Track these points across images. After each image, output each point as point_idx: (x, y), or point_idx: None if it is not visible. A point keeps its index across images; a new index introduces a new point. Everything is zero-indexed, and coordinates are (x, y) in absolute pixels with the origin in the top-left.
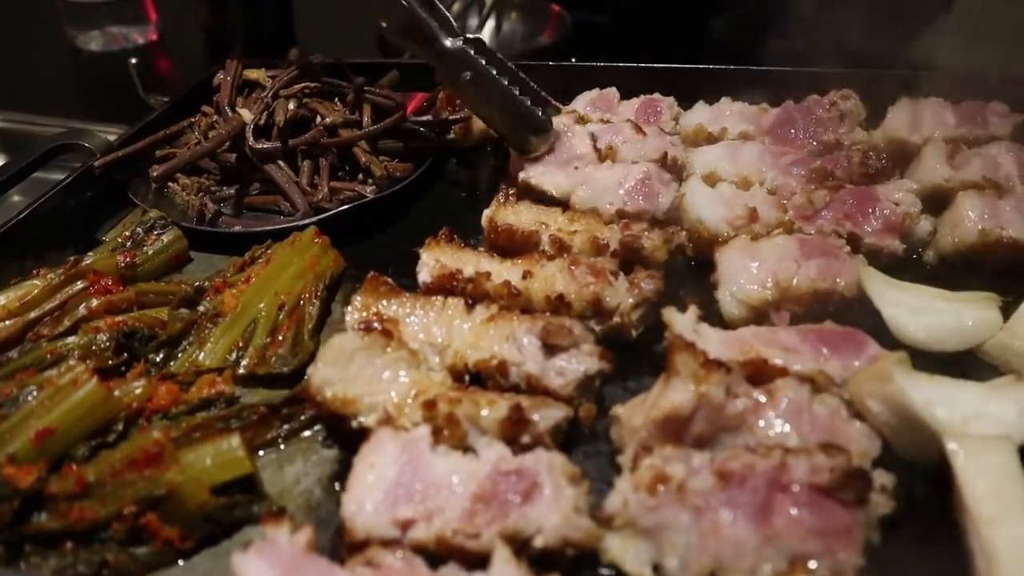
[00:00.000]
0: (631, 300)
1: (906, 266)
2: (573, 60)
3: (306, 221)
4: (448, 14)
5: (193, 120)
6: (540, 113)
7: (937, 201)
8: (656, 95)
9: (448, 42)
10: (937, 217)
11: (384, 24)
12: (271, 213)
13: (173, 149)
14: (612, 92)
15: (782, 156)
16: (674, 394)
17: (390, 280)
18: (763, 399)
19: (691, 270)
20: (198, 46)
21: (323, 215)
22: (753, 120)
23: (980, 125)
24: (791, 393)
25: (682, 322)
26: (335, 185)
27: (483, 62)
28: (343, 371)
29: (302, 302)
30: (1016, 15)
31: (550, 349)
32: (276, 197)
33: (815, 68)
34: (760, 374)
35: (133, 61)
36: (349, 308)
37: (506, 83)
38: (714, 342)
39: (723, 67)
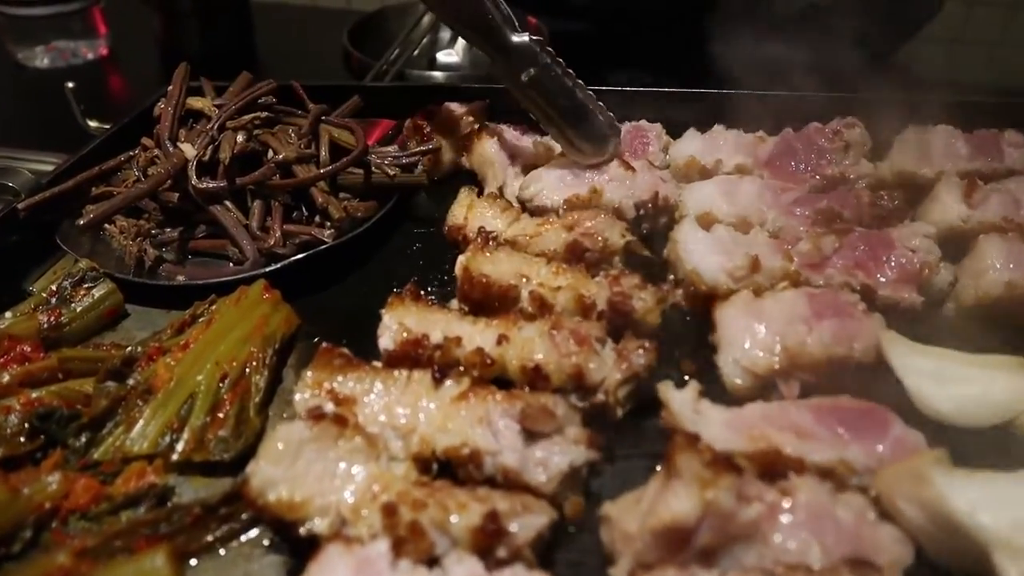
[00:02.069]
0: (618, 376)
1: (922, 319)
2: None
3: (254, 272)
4: (510, 11)
5: (133, 154)
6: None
7: (954, 244)
8: (643, 122)
9: (514, 37)
10: (955, 264)
11: (444, 11)
12: (220, 259)
13: (110, 187)
14: None
15: (783, 193)
16: (676, 502)
17: (346, 351)
18: (778, 501)
19: (686, 325)
20: (153, 63)
21: (274, 266)
22: (749, 151)
23: (996, 157)
24: (810, 495)
25: (681, 401)
26: (289, 228)
27: (548, 61)
28: (288, 469)
29: (248, 371)
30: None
31: (530, 435)
32: (225, 241)
33: (814, 92)
34: (773, 466)
35: (70, 85)
36: (298, 386)
37: (570, 84)
38: (718, 425)
39: (714, 91)
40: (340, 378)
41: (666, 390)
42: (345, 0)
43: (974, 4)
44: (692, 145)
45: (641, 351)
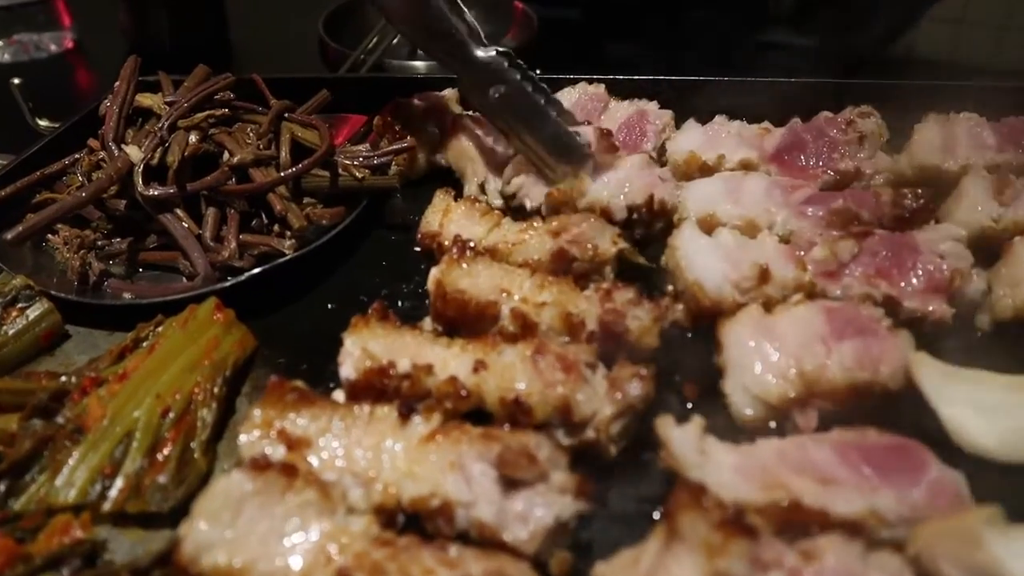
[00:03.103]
0: (610, 409)
1: (951, 334)
2: (538, 71)
3: (206, 289)
4: (477, 25)
5: (78, 157)
6: (578, 138)
7: (985, 247)
8: (650, 106)
9: (480, 52)
10: (988, 270)
11: (405, 24)
12: (172, 272)
13: (53, 194)
14: (600, 93)
15: (793, 191)
16: (680, 571)
17: (300, 384)
18: (800, 567)
19: (687, 343)
20: (122, 56)
21: (228, 282)
22: (755, 144)
23: None
24: (838, 558)
25: (683, 441)
26: (246, 239)
27: (517, 77)
28: (228, 529)
29: (193, 404)
30: None
31: (509, 483)
32: (177, 253)
33: (822, 79)
34: (792, 520)
35: (16, 81)
36: (244, 427)
37: (542, 102)
38: (727, 470)
39: (714, 79)
40: (293, 416)
41: (666, 427)
42: None
43: None
44: (692, 138)
45: (637, 381)
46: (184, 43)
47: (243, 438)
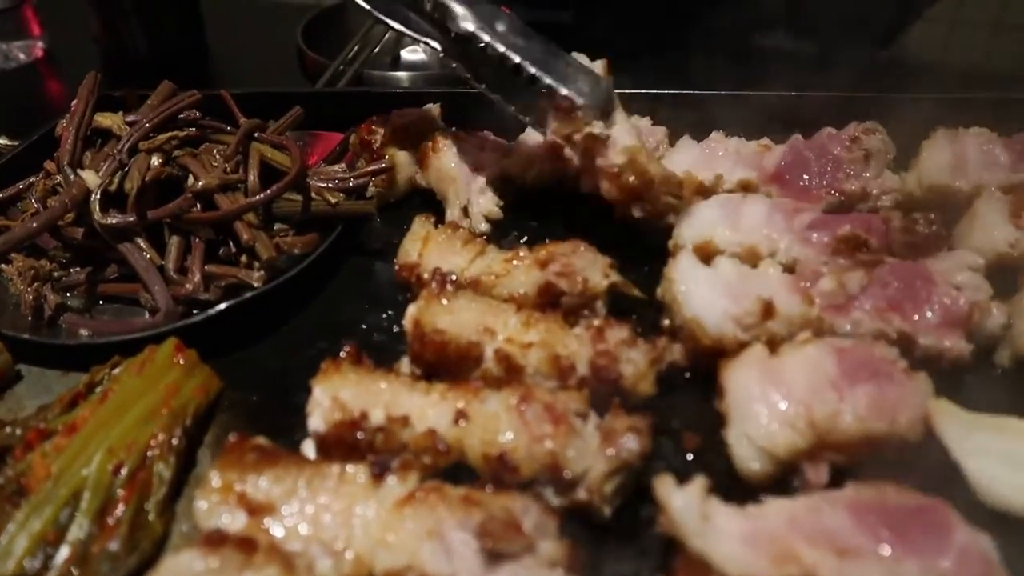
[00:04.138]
0: (603, 467)
1: (967, 371)
2: None
3: (166, 328)
4: None
5: (34, 180)
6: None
7: (1001, 274)
8: (642, 122)
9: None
10: (1006, 301)
11: None
12: (135, 305)
13: (6, 220)
14: None
15: (796, 215)
16: None
17: (262, 441)
18: None
19: (687, 385)
20: (94, 65)
21: (190, 319)
22: (754, 162)
23: None
24: None
25: (684, 505)
26: (212, 270)
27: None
28: None
29: (149, 459)
30: None
31: (493, 553)
32: (138, 285)
33: (822, 90)
34: None
35: None
36: (200, 492)
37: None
38: (733, 539)
39: (710, 93)
40: (254, 479)
41: (665, 489)
42: None
43: None
44: (687, 156)
45: (632, 435)
46: (160, 51)
47: (200, 504)
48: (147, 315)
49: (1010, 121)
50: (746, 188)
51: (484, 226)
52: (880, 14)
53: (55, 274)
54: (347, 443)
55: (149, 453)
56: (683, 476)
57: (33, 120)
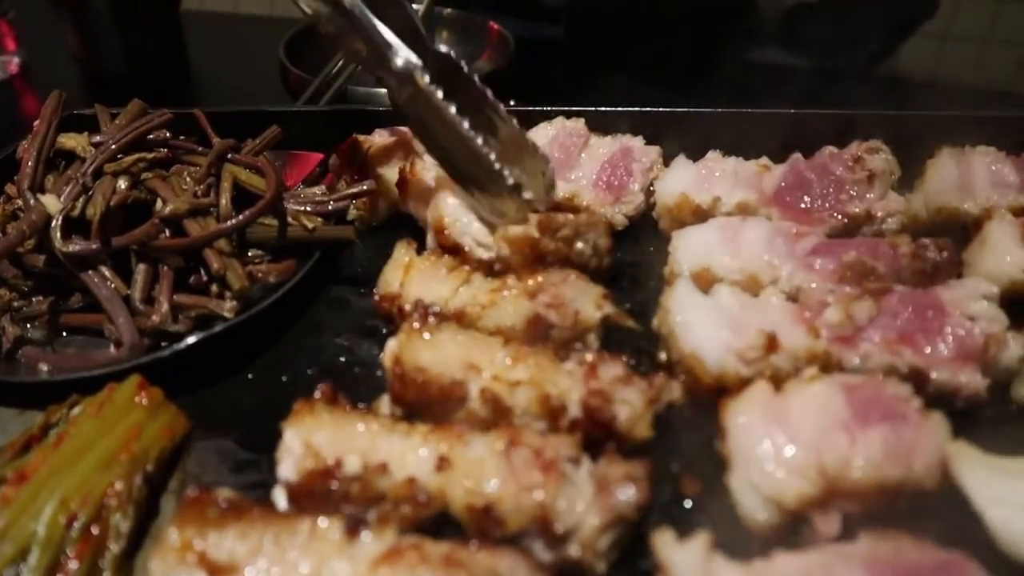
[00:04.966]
0: (597, 520)
1: (983, 408)
2: (512, 102)
3: (129, 364)
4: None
5: None
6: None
7: (1014, 303)
8: (635, 142)
9: (399, 59)
10: (1022, 332)
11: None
12: (100, 337)
13: None
14: (579, 128)
15: (798, 239)
16: None
17: (226, 493)
18: None
19: (686, 423)
20: (73, 82)
21: (155, 355)
22: (753, 183)
23: None
24: None
25: (686, 566)
26: (181, 300)
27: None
28: None
29: (106, 510)
30: None
31: None
32: (103, 316)
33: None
34: None
35: None
36: (157, 552)
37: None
38: None
39: (706, 110)
40: (216, 536)
41: (665, 546)
42: (290, 8)
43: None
44: (683, 178)
45: (628, 484)
46: (139, 67)
47: (155, 566)
48: (112, 348)
49: (1006, 138)
50: (745, 210)
51: (487, 254)
52: (872, 32)
53: (14, 304)
54: (320, 493)
55: (106, 503)
56: (683, 526)
57: (7, 138)
